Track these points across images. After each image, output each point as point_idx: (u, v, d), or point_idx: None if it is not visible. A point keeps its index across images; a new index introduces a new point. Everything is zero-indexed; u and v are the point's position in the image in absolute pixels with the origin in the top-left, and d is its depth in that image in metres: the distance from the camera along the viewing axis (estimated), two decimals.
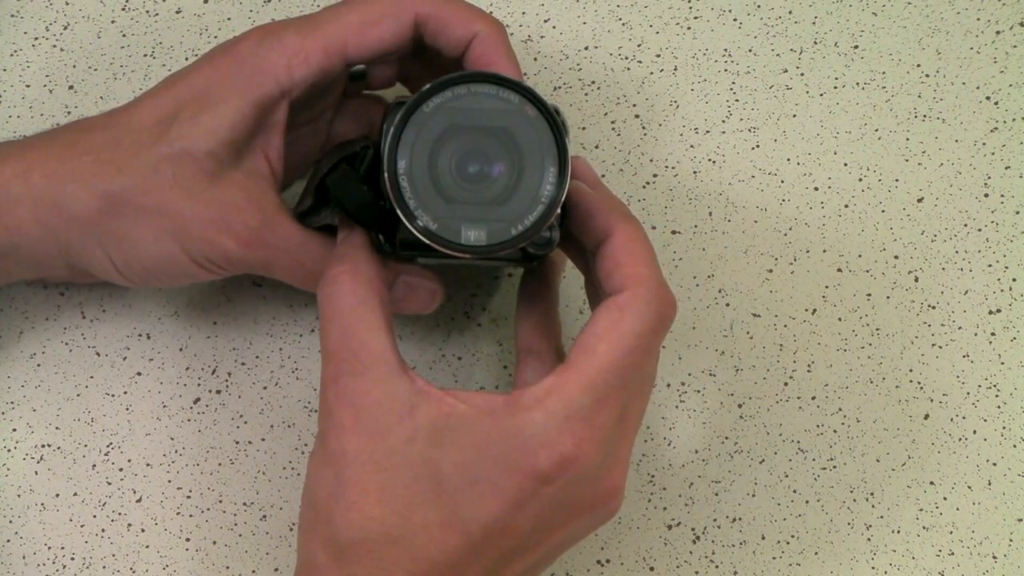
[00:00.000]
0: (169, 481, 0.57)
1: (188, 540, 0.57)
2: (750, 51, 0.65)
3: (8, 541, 0.56)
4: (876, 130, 0.64)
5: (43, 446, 0.57)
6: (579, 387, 0.47)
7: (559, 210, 0.48)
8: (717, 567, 0.58)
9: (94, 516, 0.57)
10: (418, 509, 0.46)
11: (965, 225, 0.63)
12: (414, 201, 0.47)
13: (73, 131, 0.54)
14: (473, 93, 0.48)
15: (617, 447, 0.49)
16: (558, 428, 0.46)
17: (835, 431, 0.60)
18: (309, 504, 0.48)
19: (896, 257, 0.62)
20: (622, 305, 0.47)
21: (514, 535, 0.47)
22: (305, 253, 0.53)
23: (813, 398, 0.60)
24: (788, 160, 0.63)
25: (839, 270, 0.62)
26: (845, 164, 0.63)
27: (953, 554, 0.59)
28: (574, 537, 0.50)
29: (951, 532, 0.59)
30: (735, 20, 0.65)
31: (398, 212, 0.47)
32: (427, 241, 0.47)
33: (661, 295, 0.48)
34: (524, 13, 0.64)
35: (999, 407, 0.60)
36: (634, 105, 0.63)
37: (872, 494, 0.59)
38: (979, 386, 0.61)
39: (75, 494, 0.57)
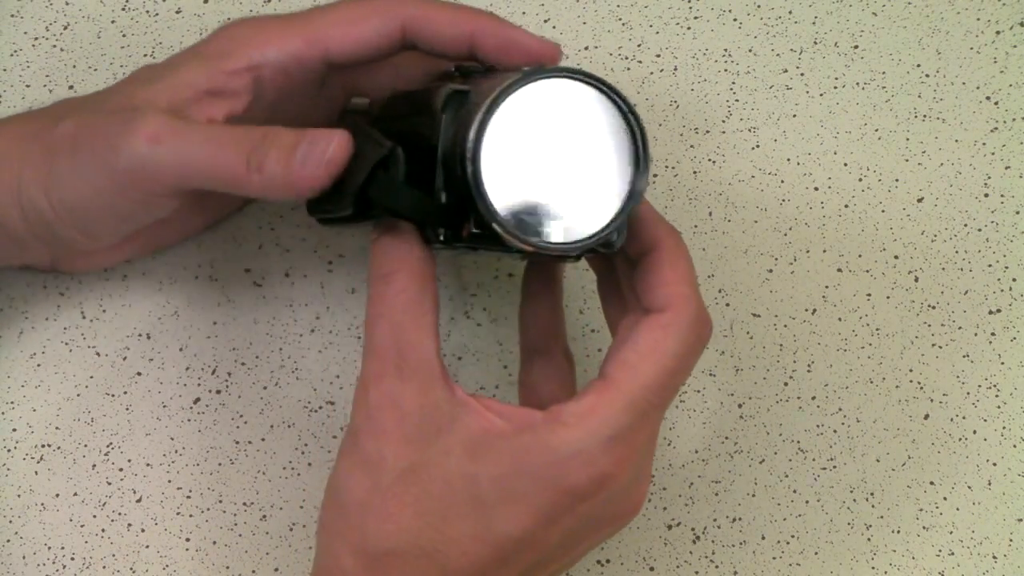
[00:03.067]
0: (169, 481, 0.57)
1: (188, 540, 0.57)
2: (750, 51, 0.65)
3: (8, 541, 0.56)
4: (876, 130, 0.64)
5: (43, 446, 0.57)
6: (621, 407, 0.46)
7: (622, 221, 0.48)
8: (717, 567, 0.58)
9: (94, 516, 0.57)
10: (453, 522, 0.46)
11: (965, 225, 0.63)
12: (493, 196, 0.46)
13: (53, 105, 0.54)
14: (550, 87, 0.47)
15: (647, 462, 0.49)
16: (600, 448, 0.46)
17: (835, 431, 0.60)
18: (338, 506, 0.48)
19: (896, 257, 0.62)
20: (665, 325, 0.47)
21: (543, 548, 0.47)
22: (219, 130, 0.50)
23: (813, 398, 0.60)
24: (788, 160, 0.63)
25: (839, 270, 0.62)
26: (845, 164, 0.63)
27: (953, 554, 0.59)
28: (594, 546, 0.50)
29: (951, 532, 0.59)
30: (735, 20, 0.65)
31: (482, 207, 0.46)
32: (510, 237, 0.46)
33: (702, 318, 0.48)
34: (524, 13, 0.64)
35: (999, 407, 0.60)
36: (634, 105, 0.63)
37: (872, 494, 0.59)
38: (979, 386, 0.61)
39: (75, 494, 0.57)
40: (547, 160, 0.47)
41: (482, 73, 0.51)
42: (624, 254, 0.51)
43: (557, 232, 0.47)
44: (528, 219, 0.47)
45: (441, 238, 0.49)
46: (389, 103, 0.55)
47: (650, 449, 0.49)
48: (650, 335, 0.47)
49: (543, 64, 0.48)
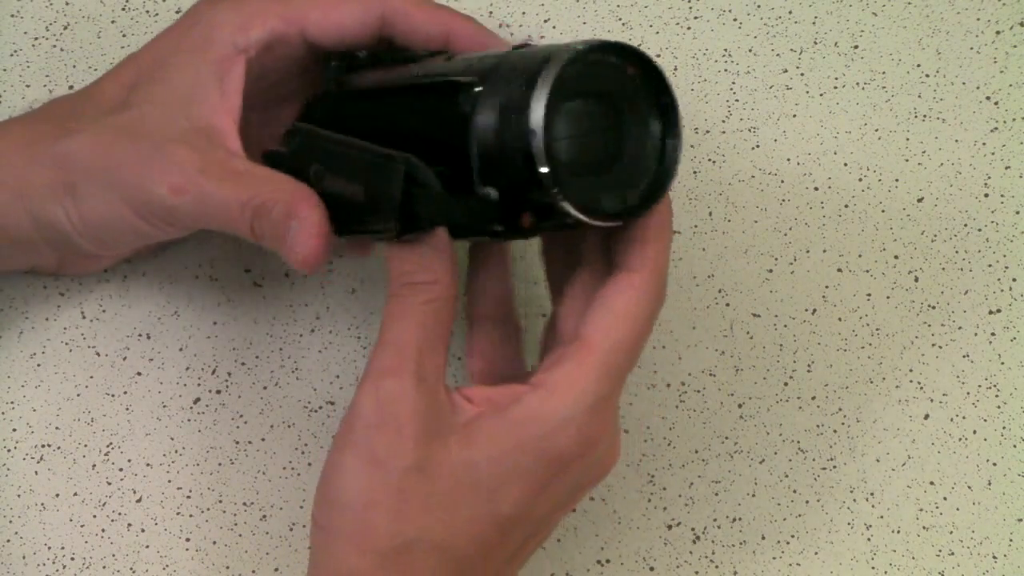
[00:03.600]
0: (169, 481, 0.57)
1: (188, 540, 0.57)
2: (750, 51, 0.65)
3: (8, 541, 0.56)
4: (876, 130, 0.64)
5: (43, 446, 0.57)
6: (602, 372, 0.47)
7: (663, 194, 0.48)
8: (717, 567, 0.58)
9: (94, 516, 0.57)
10: (459, 511, 0.47)
11: (965, 225, 0.63)
12: (564, 187, 0.46)
13: (46, 106, 0.55)
14: (593, 62, 0.47)
15: (618, 420, 0.50)
16: (586, 414, 0.47)
17: (835, 431, 0.60)
18: (340, 506, 0.48)
19: (896, 257, 0.62)
20: (638, 285, 0.48)
21: (535, 518, 0.48)
22: (228, 189, 0.50)
23: (813, 398, 0.60)
24: (788, 160, 0.63)
25: (839, 270, 0.62)
26: (845, 164, 0.63)
27: (953, 554, 0.59)
28: (570, 510, 0.51)
29: (951, 532, 0.59)
30: (735, 20, 0.65)
31: (555, 196, 0.46)
32: (583, 216, 0.46)
33: (665, 279, 0.49)
34: (524, 13, 0.64)
35: (999, 407, 0.60)
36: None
37: (872, 494, 0.59)
38: (979, 386, 0.61)
39: (75, 494, 0.57)
40: (593, 134, 0.47)
41: (421, 57, 0.52)
42: None
43: (610, 203, 0.47)
44: (589, 194, 0.47)
45: (500, 231, 0.48)
46: (323, 104, 0.54)
47: (617, 408, 0.50)
48: (624, 296, 0.48)
49: (602, 40, 0.48)
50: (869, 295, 0.62)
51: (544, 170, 0.45)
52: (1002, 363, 0.61)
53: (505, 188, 0.47)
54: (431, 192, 0.47)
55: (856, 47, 0.65)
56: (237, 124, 0.52)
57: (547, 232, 0.51)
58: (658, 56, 0.64)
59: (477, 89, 0.47)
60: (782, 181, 0.63)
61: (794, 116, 0.64)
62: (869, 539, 0.59)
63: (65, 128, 0.52)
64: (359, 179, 0.49)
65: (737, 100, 0.64)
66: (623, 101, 0.47)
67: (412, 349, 0.47)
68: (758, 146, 0.63)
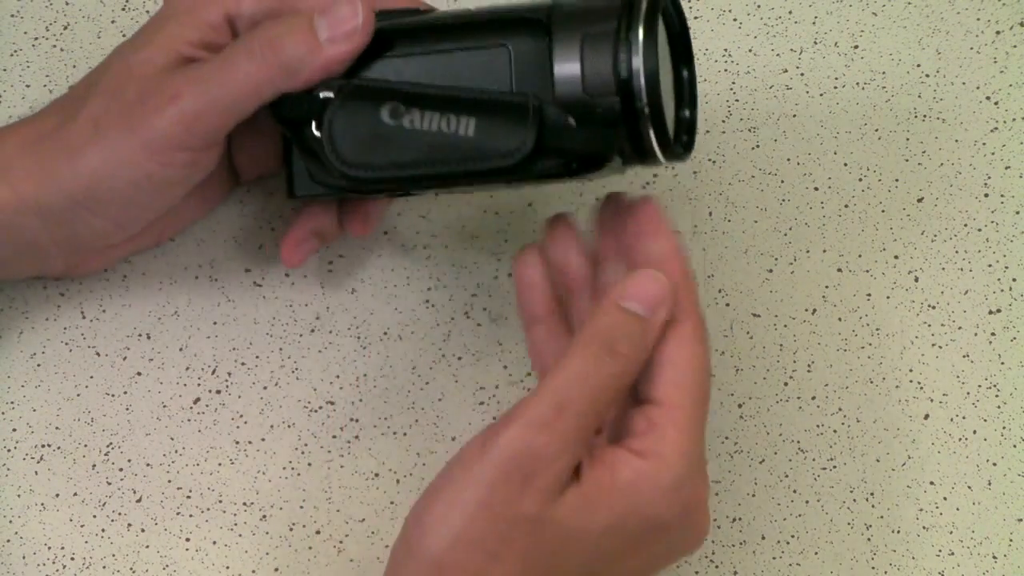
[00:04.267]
0: (169, 481, 0.57)
1: (188, 540, 0.57)
2: (750, 51, 0.65)
3: (8, 541, 0.56)
4: (876, 130, 0.64)
5: (43, 446, 0.57)
6: (692, 428, 0.48)
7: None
8: (717, 567, 0.58)
9: (94, 516, 0.57)
10: (557, 570, 0.46)
11: (965, 225, 0.63)
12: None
13: (46, 109, 0.55)
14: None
15: (707, 480, 0.50)
16: (690, 476, 0.48)
17: (835, 431, 0.60)
18: (440, 534, 0.47)
19: (896, 257, 0.62)
20: (689, 334, 0.49)
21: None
22: (233, 62, 0.50)
23: (813, 398, 0.60)
24: (788, 160, 0.63)
25: (839, 270, 0.62)
26: (845, 164, 0.63)
27: (953, 554, 0.59)
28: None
29: (951, 532, 0.59)
30: (735, 20, 0.65)
31: (654, 123, 0.48)
32: (672, 144, 0.50)
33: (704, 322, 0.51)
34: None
35: (999, 407, 0.60)
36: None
37: (872, 494, 0.59)
38: (979, 386, 0.61)
39: (75, 494, 0.57)
40: (662, 64, 0.50)
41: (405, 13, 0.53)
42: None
43: (675, 120, 0.51)
44: (666, 119, 0.50)
45: (624, 156, 0.50)
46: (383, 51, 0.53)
47: (705, 463, 0.50)
48: (683, 349, 0.48)
49: None
50: (869, 295, 0.62)
51: (642, 86, 0.48)
52: (1002, 363, 0.61)
53: (611, 110, 0.48)
54: (559, 124, 0.48)
55: (856, 47, 0.65)
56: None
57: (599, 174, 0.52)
58: None
59: (546, 24, 0.49)
60: (782, 181, 0.63)
61: (794, 116, 0.64)
62: (869, 539, 0.59)
63: (64, 114, 0.52)
64: (469, 112, 0.48)
65: (737, 100, 0.64)
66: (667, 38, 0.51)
67: (574, 413, 0.47)
68: (758, 146, 0.63)
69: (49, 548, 0.56)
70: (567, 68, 0.48)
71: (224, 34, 0.53)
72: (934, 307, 0.62)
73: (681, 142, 0.52)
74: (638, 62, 0.48)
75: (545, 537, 0.46)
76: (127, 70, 0.52)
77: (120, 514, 0.57)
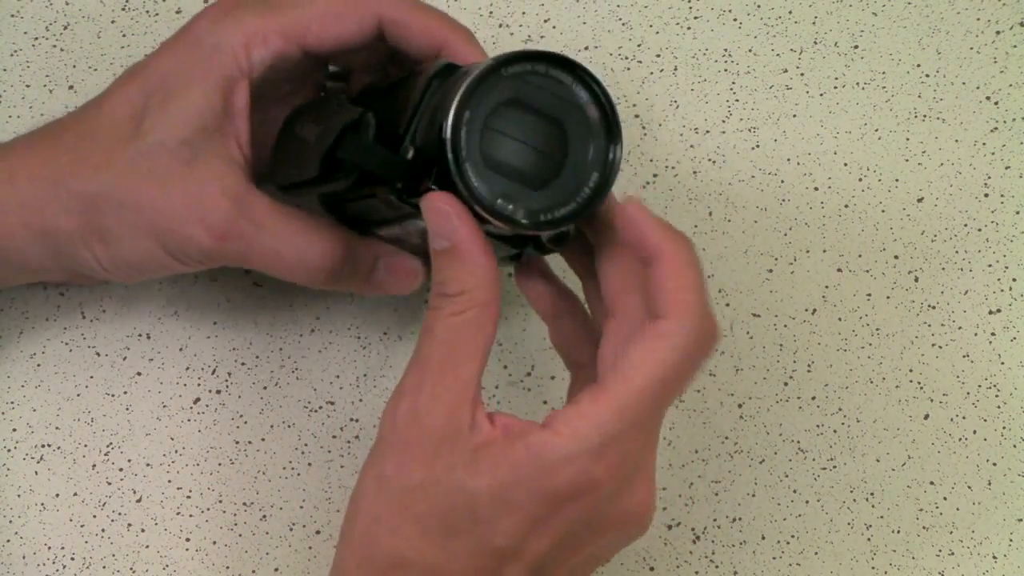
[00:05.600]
0: (169, 481, 0.57)
1: (188, 540, 0.57)
2: (750, 51, 0.65)
3: (8, 541, 0.56)
4: (876, 130, 0.64)
5: (43, 446, 0.57)
6: (613, 414, 0.46)
7: (600, 203, 0.48)
8: (717, 567, 0.58)
9: (94, 516, 0.57)
10: (456, 538, 0.46)
11: (965, 225, 0.63)
12: (470, 165, 0.47)
13: (50, 132, 0.54)
14: (534, 73, 0.47)
15: (644, 465, 0.49)
16: (589, 455, 0.46)
17: (835, 431, 0.60)
18: (353, 518, 0.48)
19: (896, 257, 0.62)
20: (663, 333, 0.46)
21: (536, 556, 0.47)
22: (282, 241, 0.53)
23: (813, 398, 0.60)
24: (788, 160, 0.63)
25: (839, 270, 0.62)
26: (845, 164, 0.63)
27: (953, 554, 0.59)
28: (603, 554, 0.50)
29: (951, 532, 0.59)
30: (735, 20, 0.65)
31: (452, 166, 0.46)
32: (471, 202, 0.46)
33: (704, 326, 0.47)
34: (524, 13, 0.64)
35: (999, 407, 0.60)
36: (634, 105, 0.63)
37: (872, 494, 0.59)
38: (979, 386, 0.61)
39: (75, 494, 0.57)
40: (523, 140, 0.47)
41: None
42: (586, 250, 0.51)
43: (519, 212, 0.47)
44: (491, 193, 0.47)
45: (402, 197, 0.49)
46: (365, 92, 0.56)
47: (645, 456, 0.48)
48: (646, 344, 0.47)
49: (541, 50, 0.48)
50: (869, 295, 0.62)
51: (447, 136, 0.46)
52: (1002, 363, 0.61)
53: (422, 154, 0.48)
54: (360, 139, 0.49)
55: (856, 47, 0.65)
56: (247, 148, 0.53)
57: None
58: (658, 56, 0.64)
59: (451, 66, 0.49)
60: (782, 181, 0.63)
61: (794, 116, 0.64)
62: (869, 539, 0.59)
63: (84, 160, 0.52)
64: (321, 123, 0.51)
65: (737, 100, 0.64)
66: (572, 123, 0.48)
67: (434, 367, 0.47)
68: (758, 146, 0.63)
69: (49, 548, 0.56)
70: (425, 112, 0.49)
71: (237, 87, 0.53)
72: (934, 307, 0.62)
73: (542, 219, 0.48)
74: (448, 112, 0.46)
75: (437, 503, 0.46)
76: (148, 133, 0.52)
77: (120, 514, 0.57)
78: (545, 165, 0.47)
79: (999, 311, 0.62)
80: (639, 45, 0.64)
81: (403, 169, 0.48)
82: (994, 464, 0.60)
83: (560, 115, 0.47)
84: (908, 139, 0.64)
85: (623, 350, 0.47)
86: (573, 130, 0.48)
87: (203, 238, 0.52)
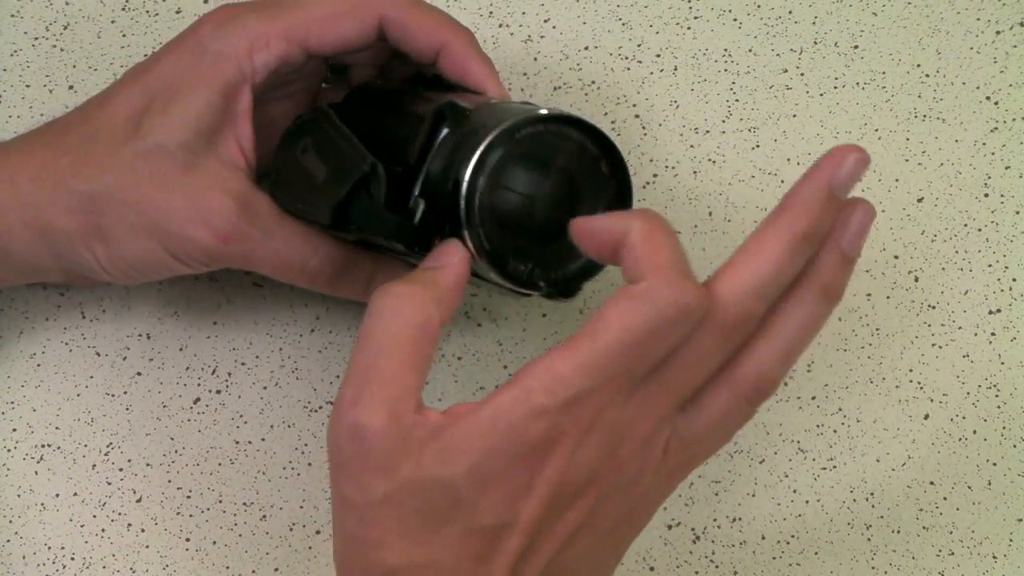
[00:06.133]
0: (169, 481, 0.57)
1: (188, 540, 0.57)
2: (750, 51, 0.65)
3: (8, 541, 0.56)
4: (876, 130, 0.64)
5: (43, 446, 0.57)
6: (579, 368, 0.45)
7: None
8: (717, 567, 0.58)
9: (94, 516, 0.57)
10: (440, 530, 0.46)
11: (965, 225, 0.63)
12: (479, 227, 0.47)
13: (51, 132, 0.54)
14: (545, 130, 0.47)
15: (632, 436, 0.47)
16: (558, 408, 0.45)
17: (835, 431, 0.60)
18: (337, 539, 0.48)
19: (896, 257, 0.62)
20: (635, 293, 0.45)
21: (525, 525, 0.46)
22: (285, 244, 0.53)
23: (813, 398, 0.60)
24: (788, 160, 0.63)
25: None
26: None
27: (953, 554, 0.59)
28: (600, 523, 0.48)
29: (951, 532, 0.59)
30: (735, 20, 0.65)
31: (468, 234, 0.47)
32: (491, 269, 0.47)
33: (682, 288, 0.45)
34: (524, 13, 0.64)
35: (999, 407, 0.60)
36: (634, 105, 0.63)
37: (872, 494, 0.59)
38: (979, 386, 0.61)
39: (75, 494, 0.57)
40: (537, 200, 0.48)
41: (455, 88, 0.53)
42: None
43: (524, 270, 0.48)
44: (509, 252, 0.48)
45: (415, 254, 0.49)
46: (358, 96, 0.55)
47: (634, 425, 0.47)
48: (617, 303, 0.45)
49: (551, 108, 0.48)
50: (869, 295, 0.62)
51: (462, 204, 0.46)
52: (1002, 363, 0.61)
53: (433, 210, 0.48)
54: (373, 202, 0.49)
55: (856, 47, 0.65)
56: (250, 152, 0.53)
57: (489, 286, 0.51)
58: (658, 56, 0.64)
59: (458, 108, 0.49)
60: (782, 181, 0.63)
61: (794, 116, 0.64)
62: (869, 539, 0.59)
63: (85, 161, 0.52)
64: (329, 163, 0.50)
65: (737, 100, 0.64)
66: (581, 178, 0.48)
67: (372, 373, 0.46)
68: (758, 146, 0.63)
69: (49, 548, 0.56)
70: (435, 163, 0.49)
71: (242, 97, 0.53)
72: (934, 307, 0.62)
73: (553, 280, 0.49)
74: (463, 174, 0.47)
75: (411, 506, 0.45)
76: (147, 134, 0.52)
77: (120, 514, 0.57)
78: (555, 219, 0.48)
79: (999, 311, 0.62)
80: (639, 45, 0.64)
81: (413, 235, 0.49)
82: (994, 464, 0.60)
83: (571, 170, 0.48)
84: (908, 139, 0.64)
85: (598, 311, 0.47)
86: (584, 185, 0.48)
87: (207, 239, 0.52)
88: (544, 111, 0.47)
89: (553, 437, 0.45)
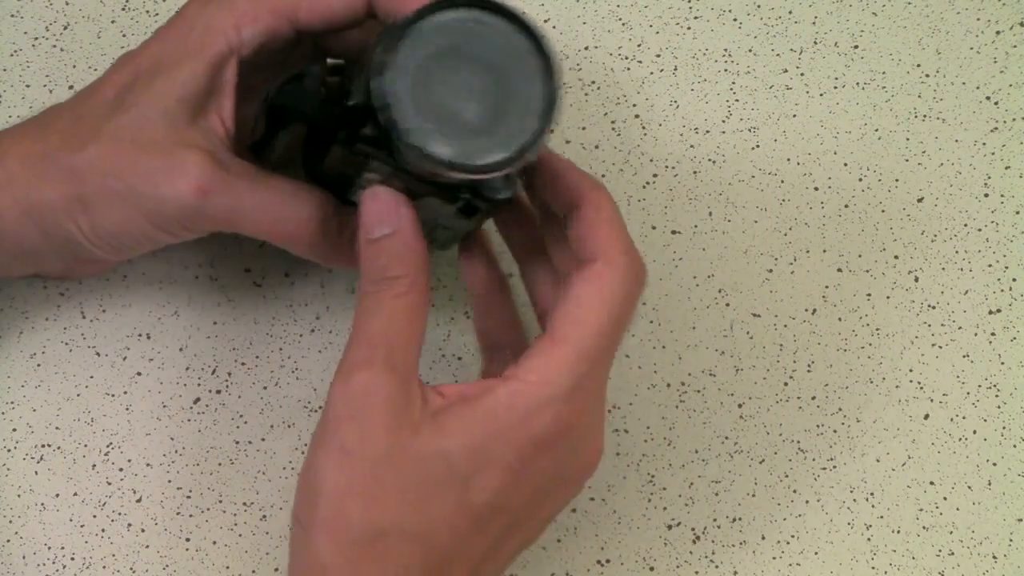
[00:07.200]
0: (169, 481, 0.57)
1: (188, 540, 0.57)
2: (750, 51, 0.65)
3: (8, 541, 0.56)
4: (876, 130, 0.64)
5: (43, 446, 0.57)
6: (575, 359, 0.48)
7: (532, 156, 0.48)
8: (717, 567, 0.58)
9: (94, 516, 0.57)
10: (433, 501, 0.47)
11: (965, 225, 0.63)
12: (397, 107, 0.47)
13: (43, 117, 0.54)
14: (467, 19, 0.47)
15: (600, 411, 0.50)
16: (563, 399, 0.47)
17: (835, 431, 0.60)
18: (317, 498, 0.48)
19: (896, 257, 0.62)
20: (599, 274, 0.48)
21: (513, 508, 0.48)
22: (270, 196, 0.52)
23: (813, 398, 0.60)
24: (788, 160, 0.63)
25: (839, 270, 0.62)
26: (845, 164, 0.63)
27: (953, 554, 0.59)
28: (558, 508, 0.51)
29: (951, 532, 0.59)
30: (735, 20, 0.65)
31: (381, 112, 0.46)
32: (405, 146, 0.46)
33: (635, 261, 0.49)
34: (524, 13, 0.64)
35: (999, 407, 0.60)
36: (634, 105, 0.63)
37: (872, 494, 0.59)
38: (979, 386, 0.61)
39: (75, 494, 0.57)
40: (460, 88, 0.47)
41: None
42: (549, 214, 0.52)
43: (447, 152, 0.47)
44: (427, 137, 0.47)
45: (343, 145, 0.49)
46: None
47: (601, 396, 0.50)
48: (587, 286, 0.48)
49: None
50: (869, 295, 0.62)
51: (372, 82, 0.46)
52: (1002, 363, 0.61)
53: (363, 101, 0.48)
54: (296, 86, 0.49)
55: (856, 47, 0.65)
56: (230, 123, 0.53)
57: (384, 167, 0.50)
58: (658, 56, 0.64)
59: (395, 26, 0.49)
60: (782, 181, 0.63)
61: (794, 116, 0.64)
62: (869, 539, 0.59)
63: (71, 136, 0.52)
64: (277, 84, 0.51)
65: (737, 100, 0.64)
66: (513, 72, 0.48)
67: (383, 341, 0.48)
68: (758, 146, 0.63)
69: (49, 548, 0.56)
70: (369, 55, 0.49)
71: (228, 68, 0.53)
72: (934, 307, 0.62)
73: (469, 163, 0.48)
74: (378, 55, 0.47)
75: (410, 469, 0.47)
76: (134, 108, 0.52)
77: (120, 514, 0.57)
78: (485, 112, 0.47)
79: (999, 311, 0.62)
80: (639, 45, 0.64)
81: (340, 115, 0.48)
82: (994, 464, 0.60)
83: (500, 62, 0.48)
84: (908, 139, 0.64)
85: (564, 297, 0.49)
86: (514, 77, 0.48)
87: (185, 195, 0.51)
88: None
89: (558, 428, 0.48)
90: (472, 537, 0.47)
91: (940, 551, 0.59)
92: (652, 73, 0.64)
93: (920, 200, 0.63)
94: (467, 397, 0.48)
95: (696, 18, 0.65)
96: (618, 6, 0.65)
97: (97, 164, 0.52)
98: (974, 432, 0.60)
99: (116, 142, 0.52)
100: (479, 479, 0.47)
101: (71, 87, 0.62)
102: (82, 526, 0.57)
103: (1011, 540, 0.59)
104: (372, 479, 0.47)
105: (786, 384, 0.60)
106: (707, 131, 0.63)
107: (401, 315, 0.48)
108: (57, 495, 0.57)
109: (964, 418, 0.60)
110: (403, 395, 0.47)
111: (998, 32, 0.65)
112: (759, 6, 0.65)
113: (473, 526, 0.47)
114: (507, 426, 0.47)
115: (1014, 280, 0.62)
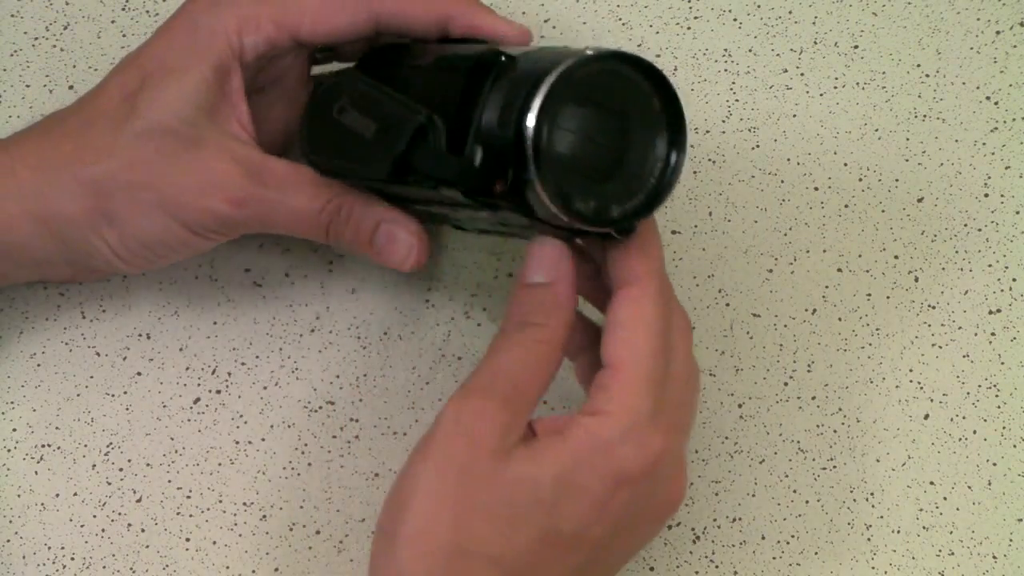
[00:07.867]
0: (169, 481, 0.57)
1: (188, 540, 0.57)
2: (750, 51, 0.65)
3: (8, 541, 0.56)
4: (876, 130, 0.64)
5: (43, 446, 0.57)
6: (641, 383, 0.48)
7: (669, 191, 0.49)
8: (717, 567, 0.58)
9: (94, 516, 0.57)
10: (519, 526, 0.47)
11: (965, 225, 0.63)
12: (545, 167, 0.47)
13: (49, 123, 0.54)
14: (602, 71, 0.48)
15: (681, 448, 0.50)
16: (644, 426, 0.48)
17: (835, 431, 0.60)
18: (407, 510, 0.48)
19: (896, 257, 0.62)
20: (635, 296, 0.49)
21: (591, 542, 0.48)
22: (300, 199, 0.53)
23: (813, 398, 0.60)
24: (788, 160, 0.63)
25: (839, 270, 0.62)
26: (845, 164, 0.63)
27: (953, 554, 0.59)
28: (638, 545, 0.51)
29: (951, 532, 0.59)
30: (735, 20, 0.65)
31: (535, 173, 0.46)
32: (548, 200, 0.47)
33: (668, 290, 0.50)
34: (524, 13, 0.64)
35: (999, 407, 0.60)
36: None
37: (872, 494, 0.59)
38: (979, 386, 0.61)
39: (75, 494, 0.57)
40: (596, 141, 0.48)
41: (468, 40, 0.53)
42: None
43: (588, 206, 0.47)
44: (570, 191, 0.47)
45: (467, 198, 0.49)
46: (375, 57, 0.55)
47: (681, 433, 0.50)
48: (626, 308, 0.49)
49: (598, 48, 0.48)
50: (869, 295, 0.62)
51: (529, 140, 0.46)
52: (1002, 363, 0.61)
53: (492, 156, 0.48)
54: (433, 148, 0.49)
55: (856, 47, 0.65)
56: (250, 127, 0.53)
57: (516, 223, 0.51)
58: (658, 56, 0.64)
59: (507, 57, 0.49)
60: (782, 181, 0.63)
61: (794, 116, 0.64)
62: (869, 539, 0.59)
63: (85, 146, 0.52)
64: (376, 118, 0.50)
65: (737, 100, 0.64)
66: (634, 115, 0.48)
67: (507, 377, 0.48)
68: (758, 146, 0.63)
69: (49, 548, 0.56)
70: (489, 110, 0.49)
71: (234, 76, 0.53)
72: (934, 307, 0.62)
73: (609, 216, 0.48)
74: (527, 119, 0.46)
75: (501, 494, 0.47)
76: (145, 113, 0.52)
77: (120, 514, 0.57)
78: (609, 158, 0.48)
79: (999, 311, 0.62)
80: (639, 45, 0.64)
81: (475, 177, 0.48)
82: (994, 464, 0.60)
83: (625, 107, 0.48)
84: (908, 139, 0.64)
85: (609, 326, 0.49)
86: (636, 122, 0.48)
87: (222, 207, 0.52)
88: (591, 51, 0.47)
89: (645, 457, 0.48)
90: (551, 566, 0.48)
91: (940, 551, 0.59)
92: None
93: (920, 200, 0.63)
94: (558, 429, 0.48)
95: (696, 18, 0.65)
96: (618, 6, 0.65)
97: (122, 177, 0.52)
98: (974, 432, 0.60)
99: (139, 153, 0.52)
100: (565, 508, 0.47)
101: (71, 87, 0.62)
102: (82, 526, 0.57)
103: (1011, 540, 0.59)
104: (464, 498, 0.47)
105: (786, 384, 0.60)
106: (707, 131, 0.63)
107: (531, 359, 0.49)
108: (57, 495, 0.57)
109: (964, 418, 0.60)
110: (512, 427, 0.48)
111: (998, 32, 0.65)
112: (759, 6, 0.65)
113: (554, 554, 0.47)
114: (593, 456, 0.47)
115: (1014, 280, 0.62)
